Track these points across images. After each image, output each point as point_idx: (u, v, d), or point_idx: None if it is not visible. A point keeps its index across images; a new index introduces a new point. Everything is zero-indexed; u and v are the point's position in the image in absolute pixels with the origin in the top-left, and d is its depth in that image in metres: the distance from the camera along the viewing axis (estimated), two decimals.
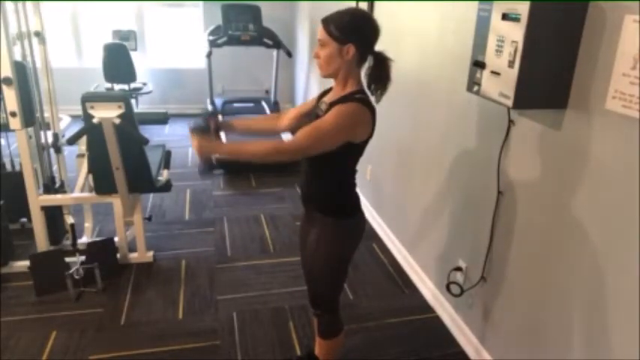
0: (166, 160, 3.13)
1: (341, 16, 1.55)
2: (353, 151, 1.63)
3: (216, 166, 1.62)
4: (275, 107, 5.87)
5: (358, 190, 1.76)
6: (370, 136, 1.62)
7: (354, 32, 1.54)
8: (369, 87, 1.62)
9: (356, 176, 1.74)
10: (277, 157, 1.54)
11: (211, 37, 5.42)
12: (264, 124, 1.91)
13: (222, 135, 1.87)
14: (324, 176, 1.69)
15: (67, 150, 3.23)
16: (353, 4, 3.58)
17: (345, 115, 1.52)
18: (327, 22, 1.55)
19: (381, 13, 3.27)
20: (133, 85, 5.51)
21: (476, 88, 1.77)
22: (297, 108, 1.88)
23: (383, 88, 1.61)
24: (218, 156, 1.58)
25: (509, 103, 1.58)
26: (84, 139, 2.74)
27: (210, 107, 1.86)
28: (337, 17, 1.55)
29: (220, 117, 1.82)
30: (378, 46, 1.62)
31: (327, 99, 1.65)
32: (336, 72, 1.59)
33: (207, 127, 1.64)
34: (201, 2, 6.03)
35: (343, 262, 1.77)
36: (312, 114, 1.72)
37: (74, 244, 2.87)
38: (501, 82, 1.61)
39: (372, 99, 1.62)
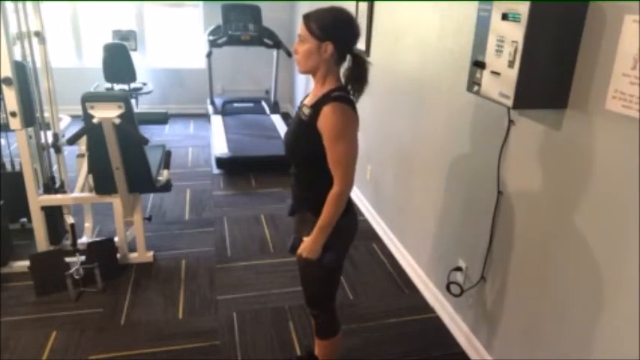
0: (166, 160, 3.13)
1: (322, 14, 1.56)
2: None
3: (333, 254, 1.71)
4: (275, 107, 5.88)
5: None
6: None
7: (334, 31, 1.54)
8: (345, 87, 1.63)
9: None
10: (343, 201, 1.60)
11: (211, 37, 5.42)
12: None
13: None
14: (315, 178, 1.68)
15: (67, 150, 3.23)
16: (352, 4, 3.58)
17: (341, 127, 1.53)
18: (308, 18, 1.56)
19: (381, 13, 3.27)
20: (133, 85, 5.50)
21: (476, 88, 1.77)
22: None
23: (359, 90, 1.63)
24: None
25: (509, 103, 1.58)
26: (84, 139, 2.74)
27: (289, 208, 1.96)
28: (318, 15, 1.56)
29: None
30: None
31: (308, 101, 1.65)
32: (314, 69, 1.59)
33: (298, 242, 1.72)
34: (201, 2, 6.03)
35: (337, 262, 1.77)
36: (294, 120, 1.72)
37: (74, 244, 2.87)
38: (501, 82, 1.61)
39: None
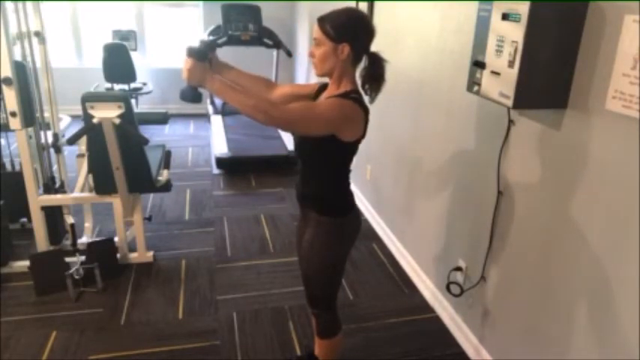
0: (166, 160, 3.13)
1: (337, 16, 1.55)
2: (346, 150, 1.63)
3: (200, 96, 1.57)
4: None
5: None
6: (363, 136, 1.62)
7: (350, 32, 1.54)
8: (363, 87, 1.63)
9: (350, 175, 1.74)
10: (262, 118, 1.46)
11: (211, 37, 5.42)
12: (255, 87, 1.82)
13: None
14: (320, 176, 1.70)
15: (67, 150, 3.23)
16: (352, 4, 3.58)
17: (339, 107, 1.53)
18: (323, 20, 1.56)
19: (381, 13, 3.28)
20: (133, 85, 5.50)
21: (476, 88, 1.77)
22: (293, 86, 1.85)
23: (377, 89, 1.62)
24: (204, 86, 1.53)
25: (509, 103, 1.58)
26: (84, 139, 2.74)
27: (208, 39, 1.71)
28: (333, 16, 1.55)
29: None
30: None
31: (323, 97, 1.66)
32: (331, 71, 1.59)
33: (204, 56, 1.54)
34: (201, 2, 6.03)
35: (339, 261, 1.77)
36: None
37: (74, 244, 2.87)
38: (501, 82, 1.61)
39: (366, 99, 1.62)
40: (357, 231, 1.78)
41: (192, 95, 1.56)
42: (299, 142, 1.70)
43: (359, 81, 1.63)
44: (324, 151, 1.58)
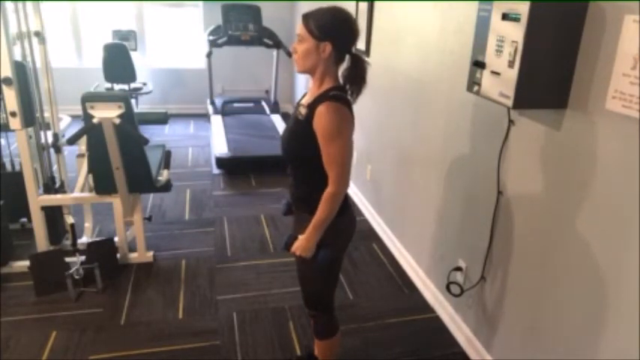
0: (166, 160, 3.13)
1: (321, 14, 1.55)
2: None
3: (327, 252, 1.71)
4: (275, 107, 5.88)
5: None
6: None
7: (333, 31, 1.54)
8: (343, 87, 1.63)
9: None
10: (337, 201, 1.59)
11: (211, 37, 5.42)
12: None
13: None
14: (311, 178, 1.67)
15: (67, 150, 3.23)
16: (352, 4, 3.58)
17: (335, 126, 1.53)
18: (307, 17, 1.56)
19: (381, 13, 3.28)
20: (133, 85, 5.50)
21: (476, 88, 1.77)
22: None
23: (358, 91, 1.62)
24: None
25: (509, 103, 1.58)
26: (84, 139, 2.74)
27: (282, 207, 1.96)
28: (318, 14, 1.56)
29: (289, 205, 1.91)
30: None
31: (305, 101, 1.65)
32: (312, 68, 1.59)
33: (293, 238, 1.72)
34: (201, 2, 6.03)
35: (334, 262, 1.77)
36: (291, 119, 1.71)
37: (74, 244, 2.87)
38: (501, 82, 1.61)
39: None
40: (352, 232, 1.78)
41: (331, 256, 1.74)
42: (287, 145, 1.69)
43: (341, 80, 1.63)
44: (313, 154, 1.57)
